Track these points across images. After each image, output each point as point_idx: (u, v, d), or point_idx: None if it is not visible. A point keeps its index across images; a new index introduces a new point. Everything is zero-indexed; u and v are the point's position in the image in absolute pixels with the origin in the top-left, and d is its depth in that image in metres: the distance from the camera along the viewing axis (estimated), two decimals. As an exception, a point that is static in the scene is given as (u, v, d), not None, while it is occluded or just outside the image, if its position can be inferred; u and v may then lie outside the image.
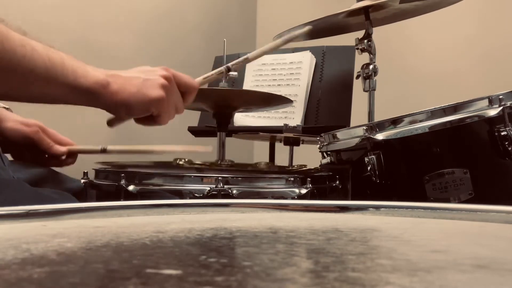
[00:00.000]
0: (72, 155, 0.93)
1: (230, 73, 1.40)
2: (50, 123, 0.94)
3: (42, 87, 0.64)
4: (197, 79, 0.84)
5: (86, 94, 0.67)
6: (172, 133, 1.99)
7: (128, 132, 1.89)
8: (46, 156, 0.92)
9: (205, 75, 0.87)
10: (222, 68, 0.87)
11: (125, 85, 0.70)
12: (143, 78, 0.72)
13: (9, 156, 0.93)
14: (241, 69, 0.93)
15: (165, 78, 0.74)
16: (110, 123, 0.78)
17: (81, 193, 0.96)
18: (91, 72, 0.67)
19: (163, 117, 0.75)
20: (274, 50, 1.00)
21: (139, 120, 0.77)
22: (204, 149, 0.94)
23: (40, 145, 0.89)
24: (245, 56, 0.94)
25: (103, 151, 0.88)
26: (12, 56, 0.58)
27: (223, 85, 1.36)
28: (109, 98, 0.69)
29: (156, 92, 0.72)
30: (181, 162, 1.04)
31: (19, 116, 0.92)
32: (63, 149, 0.89)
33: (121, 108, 0.71)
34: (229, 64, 0.89)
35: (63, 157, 0.94)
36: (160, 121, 0.76)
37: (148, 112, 0.74)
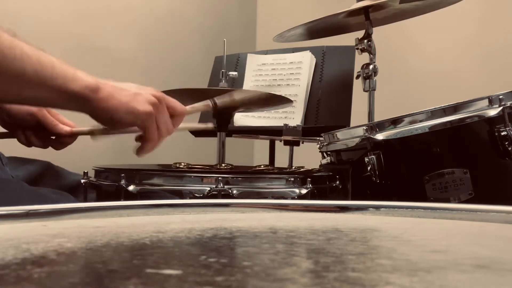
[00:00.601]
0: (73, 136, 0.93)
1: (230, 73, 1.40)
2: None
3: (32, 90, 0.64)
4: (186, 107, 0.85)
5: (75, 99, 0.67)
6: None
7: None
8: (49, 136, 0.92)
9: (193, 105, 0.89)
10: (208, 102, 0.89)
11: (115, 94, 0.70)
12: (134, 91, 0.72)
13: (9, 151, 0.93)
14: (225, 104, 0.97)
15: (155, 97, 0.74)
16: (93, 133, 0.78)
17: (79, 188, 0.96)
18: (82, 77, 0.67)
19: (149, 134, 0.75)
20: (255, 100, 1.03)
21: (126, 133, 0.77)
22: (205, 126, 0.95)
23: (45, 123, 0.89)
24: (231, 94, 0.96)
25: (104, 131, 0.89)
26: (2, 58, 0.58)
27: (223, 85, 1.36)
28: (98, 104, 0.68)
29: (144, 106, 0.72)
30: (180, 166, 1.04)
31: None
32: (66, 128, 0.89)
33: (108, 116, 0.71)
34: (216, 99, 0.91)
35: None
36: (148, 139, 0.75)
37: (133, 125, 0.74)
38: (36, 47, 0.64)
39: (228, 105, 0.95)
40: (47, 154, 0.95)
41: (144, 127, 0.74)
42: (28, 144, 0.91)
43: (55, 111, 0.91)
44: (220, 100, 0.91)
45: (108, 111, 0.70)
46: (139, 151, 0.78)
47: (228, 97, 0.95)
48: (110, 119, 0.72)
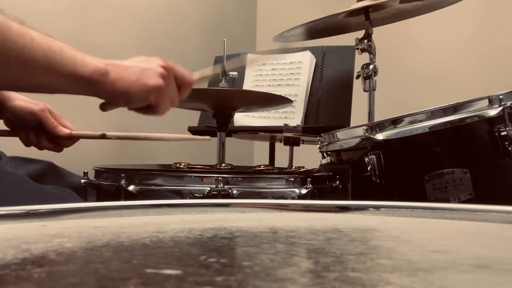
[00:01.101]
0: (72, 139, 0.93)
1: (230, 73, 1.40)
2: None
3: (42, 76, 0.63)
4: (194, 74, 0.83)
5: (85, 83, 0.66)
6: (172, 133, 1.99)
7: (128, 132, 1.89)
8: (48, 137, 0.93)
9: (201, 73, 0.86)
10: (218, 68, 0.87)
11: (124, 74, 0.70)
12: (142, 67, 0.71)
13: (11, 151, 0.93)
14: (237, 70, 0.92)
15: (164, 68, 0.73)
16: (103, 107, 0.77)
17: (81, 188, 0.96)
18: (90, 61, 0.66)
19: (160, 107, 0.74)
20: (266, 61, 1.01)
21: (136, 109, 0.76)
22: (202, 138, 0.94)
23: (46, 123, 0.89)
24: (241, 59, 0.94)
25: (103, 136, 0.89)
26: (12, 45, 0.58)
27: (223, 85, 1.36)
28: (109, 87, 0.68)
29: (155, 81, 0.71)
30: (180, 166, 1.04)
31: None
32: (66, 131, 0.90)
33: (120, 97, 0.70)
34: (225, 64, 0.88)
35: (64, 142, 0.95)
36: (157, 111, 0.75)
37: (146, 101, 0.73)
38: (44, 33, 0.64)
39: (236, 68, 0.92)
40: (48, 154, 0.95)
41: (156, 101, 0.73)
42: (27, 143, 0.91)
43: (57, 113, 0.92)
44: (229, 66, 0.89)
45: (120, 92, 0.69)
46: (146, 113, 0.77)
47: (238, 61, 0.92)
48: (123, 99, 0.71)
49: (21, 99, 0.90)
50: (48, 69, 0.63)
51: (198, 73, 0.84)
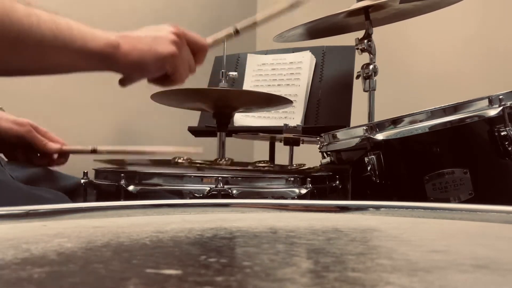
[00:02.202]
0: (63, 155, 0.92)
1: (230, 73, 1.40)
2: (42, 123, 0.92)
3: (53, 56, 0.62)
4: (207, 39, 0.81)
5: (98, 58, 0.65)
6: (172, 133, 1.99)
7: (128, 133, 1.89)
8: (39, 155, 0.92)
9: (214, 36, 0.83)
10: (230, 29, 0.85)
11: (137, 44, 0.68)
12: (153, 35, 0.70)
13: (3, 156, 0.93)
14: (249, 31, 0.90)
15: (175, 34, 0.72)
16: (122, 82, 0.75)
17: (78, 190, 0.96)
18: (101, 35, 0.65)
19: (178, 74, 0.73)
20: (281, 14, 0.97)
21: (155, 81, 0.74)
22: (195, 150, 0.93)
23: (33, 143, 0.88)
24: (253, 18, 0.91)
25: (93, 151, 0.88)
26: (20, 27, 0.57)
27: (223, 85, 1.36)
28: (122, 59, 0.67)
29: (168, 47, 0.70)
30: (180, 161, 1.04)
31: (11, 115, 0.91)
32: (55, 146, 0.88)
33: (135, 68, 0.69)
34: (237, 26, 0.86)
35: (55, 156, 0.94)
36: (175, 79, 0.74)
37: (162, 70, 0.71)
38: (51, 11, 0.62)
39: (250, 28, 0.90)
40: None
41: (172, 69, 0.72)
42: (11, 157, 0.90)
43: (44, 129, 0.90)
44: (241, 26, 0.86)
45: (134, 63, 0.68)
46: (165, 86, 0.76)
47: (250, 20, 0.90)
48: (138, 71, 0.70)
49: (5, 120, 0.88)
50: (58, 48, 0.61)
51: (211, 37, 0.82)
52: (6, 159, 0.93)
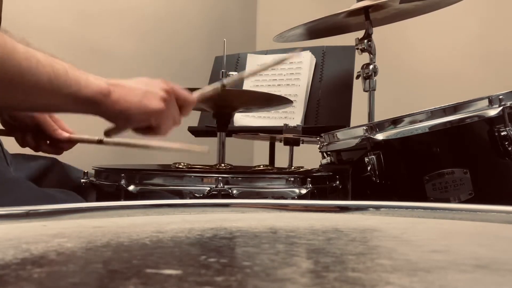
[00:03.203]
0: (71, 143, 0.93)
1: (230, 73, 1.40)
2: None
3: (46, 98, 0.64)
4: (194, 94, 0.84)
5: (88, 103, 0.67)
6: (172, 133, 1.99)
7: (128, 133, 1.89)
8: (48, 142, 0.92)
9: (202, 91, 0.87)
10: (217, 84, 0.88)
11: (127, 95, 0.70)
12: (144, 89, 0.72)
13: (11, 147, 0.93)
14: (236, 85, 0.95)
15: (166, 91, 0.74)
16: (108, 133, 0.78)
17: (84, 187, 0.96)
18: (93, 81, 0.67)
19: (161, 128, 0.76)
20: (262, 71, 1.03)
21: (137, 130, 0.77)
22: (200, 149, 0.94)
23: (45, 127, 0.89)
24: (240, 73, 0.96)
25: (100, 142, 0.89)
26: (18, 69, 0.58)
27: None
28: (110, 107, 0.69)
29: (157, 104, 0.72)
30: (180, 166, 1.04)
31: None
32: (65, 134, 0.89)
33: (121, 117, 0.71)
34: (224, 81, 0.90)
35: (63, 145, 0.94)
36: (158, 133, 0.76)
37: (147, 123, 0.74)
38: (48, 54, 0.64)
39: (236, 83, 0.94)
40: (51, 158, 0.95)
41: (157, 123, 0.74)
42: (23, 144, 0.91)
43: (57, 116, 0.92)
44: (228, 81, 0.90)
45: (121, 112, 0.70)
46: (147, 136, 0.78)
47: (237, 76, 0.92)
48: (123, 120, 0.72)
49: None
50: (52, 91, 0.63)
51: (198, 92, 0.85)
52: (12, 152, 0.93)
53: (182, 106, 0.79)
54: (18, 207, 0.42)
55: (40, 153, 0.99)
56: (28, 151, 0.96)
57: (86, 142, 0.91)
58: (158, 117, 0.73)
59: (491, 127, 0.92)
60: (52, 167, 0.95)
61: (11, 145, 0.95)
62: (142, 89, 0.72)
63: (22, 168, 0.90)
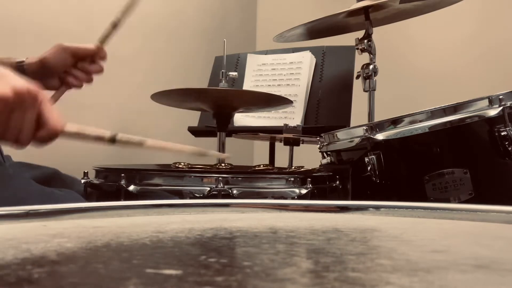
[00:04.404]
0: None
1: (230, 73, 1.39)
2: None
3: None
4: (68, 125, 0.67)
5: None
6: (172, 133, 1.99)
7: (128, 133, 1.89)
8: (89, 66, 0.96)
9: (80, 128, 0.68)
10: (105, 132, 0.68)
11: None
12: (4, 75, 0.61)
13: (15, 155, 0.93)
14: (126, 146, 0.71)
15: (28, 89, 0.61)
16: None
17: (83, 195, 0.96)
18: None
19: None
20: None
21: None
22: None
23: (77, 54, 0.95)
24: (141, 140, 0.73)
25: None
26: None
27: (223, 85, 1.36)
28: None
29: (3, 90, 0.59)
30: (180, 166, 1.04)
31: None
32: (91, 46, 0.95)
33: None
34: (117, 136, 0.68)
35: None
36: None
37: None
38: None
39: (131, 145, 0.73)
40: (51, 158, 0.95)
41: None
42: (80, 84, 0.94)
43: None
44: (120, 137, 0.70)
45: None
46: None
47: (136, 144, 0.72)
48: None
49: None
50: None
51: (76, 127, 0.68)
52: (16, 161, 0.93)
53: (40, 125, 0.64)
54: (18, 207, 0.42)
55: (42, 162, 0.99)
56: (28, 159, 0.95)
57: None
58: None
59: (491, 127, 0.92)
60: (53, 177, 0.95)
61: (12, 153, 0.95)
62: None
63: (25, 174, 0.90)
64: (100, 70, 0.96)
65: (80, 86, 0.94)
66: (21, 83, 0.61)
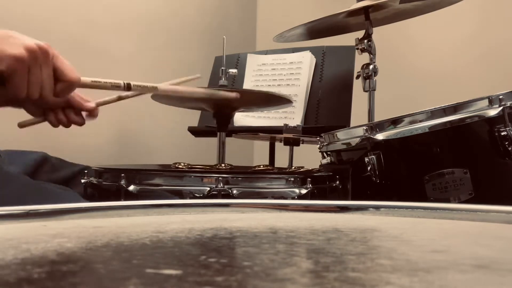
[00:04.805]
0: (94, 111, 0.93)
1: (230, 71, 1.39)
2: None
3: None
4: (83, 78, 0.73)
5: None
6: (172, 133, 1.99)
7: (128, 133, 1.89)
8: (78, 113, 0.92)
9: (96, 80, 0.74)
10: (120, 82, 0.77)
11: None
12: (10, 35, 0.65)
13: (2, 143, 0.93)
14: (143, 93, 0.81)
15: (39, 46, 0.65)
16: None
17: (77, 178, 0.96)
18: None
19: (15, 83, 0.65)
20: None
21: None
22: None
23: (74, 103, 0.88)
24: (154, 86, 0.81)
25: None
26: None
27: (223, 82, 1.36)
28: None
29: (17, 49, 0.63)
30: (180, 166, 1.04)
31: None
32: (91, 104, 0.87)
33: None
34: (131, 83, 0.78)
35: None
36: (11, 87, 0.65)
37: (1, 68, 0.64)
38: None
39: (144, 92, 0.79)
40: (42, 145, 0.95)
41: (10, 73, 0.64)
42: (57, 124, 0.90)
43: (77, 91, 0.91)
44: (135, 87, 0.77)
45: None
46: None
47: (149, 88, 0.80)
48: None
49: None
50: None
51: (92, 79, 0.73)
52: (4, 148, 0.93)
53: (59, 79, 0.68)
54: (18, 207, 0.42)
55: (31, 147, 0.99)
56: (19, 146, 0.96)
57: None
58: (12, 65, 0.63)
59: (491, 127, 0.92)
60: (43, 162, 0.95)
61: (1, 141, 0.95)
62: (7, 35, 0.64)
63: (15, 162, 0.90)
64: (81, 124, 0.90)
65: (56, 126, 0.91)
66: (30, 41, 0.65)
